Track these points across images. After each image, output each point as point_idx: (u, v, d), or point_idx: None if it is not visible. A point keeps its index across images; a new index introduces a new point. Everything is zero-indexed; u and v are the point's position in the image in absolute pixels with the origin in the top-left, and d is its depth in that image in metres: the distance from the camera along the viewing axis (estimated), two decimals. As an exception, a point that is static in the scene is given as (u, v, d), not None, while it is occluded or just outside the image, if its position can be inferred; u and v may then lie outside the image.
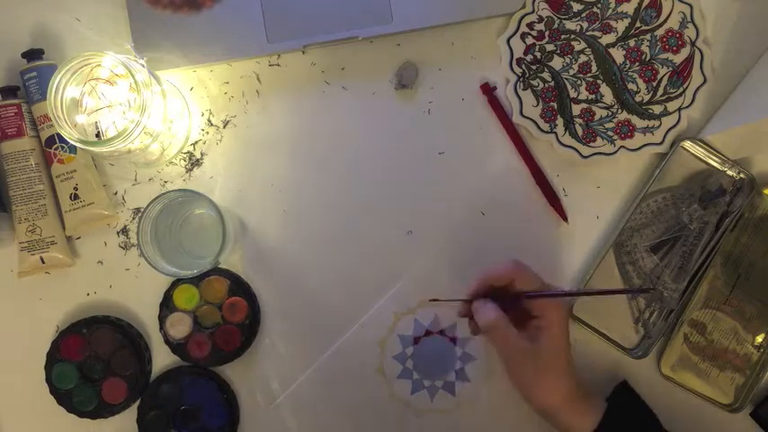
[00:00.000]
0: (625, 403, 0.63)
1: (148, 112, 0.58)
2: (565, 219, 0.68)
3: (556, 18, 0.68)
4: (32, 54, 0.66)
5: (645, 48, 0.68)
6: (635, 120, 0.68)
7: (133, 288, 0.68)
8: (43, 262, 0.66)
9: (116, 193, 0.68)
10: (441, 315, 0.68)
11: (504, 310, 0.60)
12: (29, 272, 0.67)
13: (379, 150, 0.69)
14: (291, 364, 0.68)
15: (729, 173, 0.67)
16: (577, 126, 0.68)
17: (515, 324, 0.60)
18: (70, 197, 0.66)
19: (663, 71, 0.68)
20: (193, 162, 0.69)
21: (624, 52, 0.68)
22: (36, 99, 0.66)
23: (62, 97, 0.59)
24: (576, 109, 0.68)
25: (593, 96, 0.68)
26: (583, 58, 0.68)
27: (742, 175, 0.67)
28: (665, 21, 0.68)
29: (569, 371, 0.60)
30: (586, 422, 0.59)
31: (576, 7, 0.68)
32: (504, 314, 0.60)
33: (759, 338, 0.66)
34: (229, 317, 0.67)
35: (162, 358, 0.68)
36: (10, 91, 0.66)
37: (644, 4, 0.68)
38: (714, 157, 0.67)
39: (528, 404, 0.61)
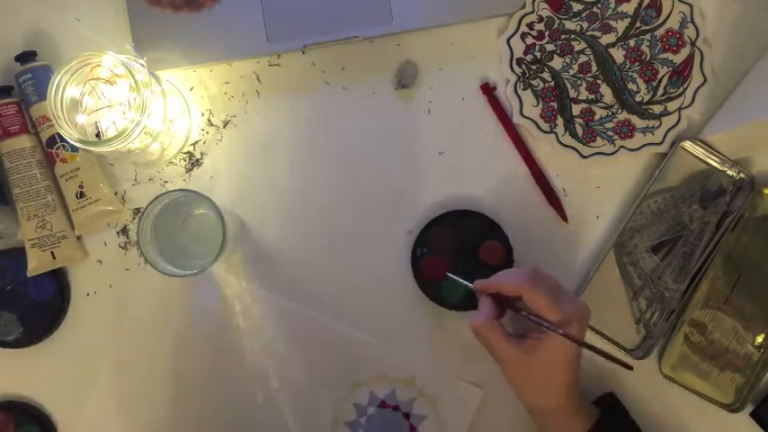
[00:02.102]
0: (614, 415, 0.62)
1: (148, 111, 0.58)
2: (565, 219, 0.68)
3: (556, 18, 0.68)
4: (25, 57, 0.66)
5: (645, 48, 0.68)
6: (635, 120, 0.67)
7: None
8: (54, 257, 0.66)
9: (116, 193, 0.68)
10: (398, 390, 0.66)
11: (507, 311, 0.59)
12: (38, 269, 0.66)
13: (379, 150, 0.69)
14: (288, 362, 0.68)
15: (729, 173, 0.67)
16: (577, 126, 0.68)
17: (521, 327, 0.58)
18: (76, 195, 0.66)
19: (663, 71, 0.68)
20: (193, 162, 0.69)
21: (624, 52, 0.68)
22: (33, 101, 0.66)
23: (62, 97, 0.59)
24: (576, 109, 0.68)
25: (593, 96, 0.68)
26: (583, 58, 0.68)
27: (742, 175, 0.67)
28: (665, 21, 0.68)
29: (562, 387, 0.57)
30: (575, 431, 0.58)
31: (576, 7, 0.68)
32: (494, 321, 0.57)
33: (759, 338, 0.66)
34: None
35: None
36: (4, 90, 0.66)
37: (644, 4, 0.68)
38: (714, 157, 0.67)
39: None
